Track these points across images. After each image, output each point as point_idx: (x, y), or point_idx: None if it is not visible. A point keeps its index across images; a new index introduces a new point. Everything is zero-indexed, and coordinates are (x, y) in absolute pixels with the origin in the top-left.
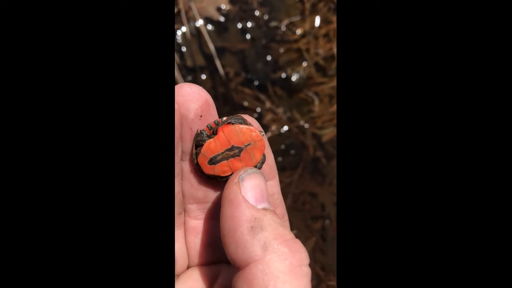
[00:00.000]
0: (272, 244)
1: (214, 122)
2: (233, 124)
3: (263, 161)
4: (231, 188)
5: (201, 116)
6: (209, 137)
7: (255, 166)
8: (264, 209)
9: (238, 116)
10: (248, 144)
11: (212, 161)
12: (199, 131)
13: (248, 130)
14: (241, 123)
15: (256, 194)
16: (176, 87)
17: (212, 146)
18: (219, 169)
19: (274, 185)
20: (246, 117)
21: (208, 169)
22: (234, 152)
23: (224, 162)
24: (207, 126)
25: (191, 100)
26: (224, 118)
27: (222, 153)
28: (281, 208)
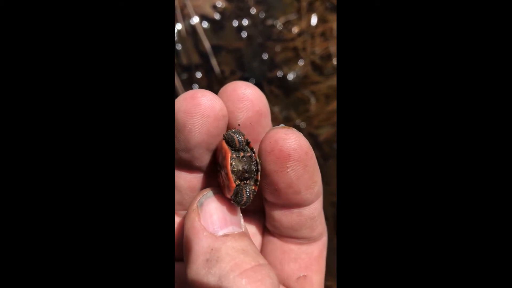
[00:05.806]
0: (228, 277)
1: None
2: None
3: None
4: (189, 215)
5: (239, 124)
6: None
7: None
8: (225, 235)
9: (231, 130)
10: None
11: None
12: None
13: (225, 152)
14: (229, 139)
15: (219, 218)
16: (230, 89)
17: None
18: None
19: (316, 207)
20: None
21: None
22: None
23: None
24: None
25: (241, 109)
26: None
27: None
28: (321, 227)
